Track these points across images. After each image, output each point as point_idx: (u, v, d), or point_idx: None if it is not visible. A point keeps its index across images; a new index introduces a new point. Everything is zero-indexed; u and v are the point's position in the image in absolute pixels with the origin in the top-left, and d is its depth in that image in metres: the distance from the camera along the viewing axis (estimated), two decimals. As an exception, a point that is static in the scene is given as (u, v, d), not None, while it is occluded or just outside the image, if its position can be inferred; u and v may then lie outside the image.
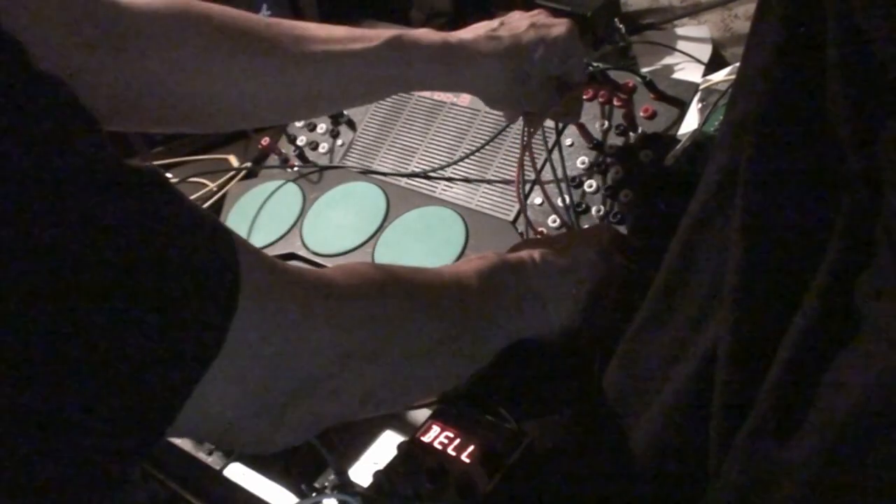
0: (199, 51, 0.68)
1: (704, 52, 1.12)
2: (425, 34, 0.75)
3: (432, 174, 0.94)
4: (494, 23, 0.77)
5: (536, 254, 0.72)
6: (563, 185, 0.85)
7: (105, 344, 0.39)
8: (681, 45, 1.13)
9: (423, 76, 0.76)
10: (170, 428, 0.43)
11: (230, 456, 0.78)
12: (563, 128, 0.88)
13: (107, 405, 0.40)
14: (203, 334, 0.43)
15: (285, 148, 1.04)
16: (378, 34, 0.73)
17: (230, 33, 0.69)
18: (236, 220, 0.99)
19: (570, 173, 0.86)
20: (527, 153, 0.84)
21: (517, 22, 0.77)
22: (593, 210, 0.84)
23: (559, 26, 0.77)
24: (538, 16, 0.78)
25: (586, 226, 0.84)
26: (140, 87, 0.67)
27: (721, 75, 1.05)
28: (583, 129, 0.86)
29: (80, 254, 0.38)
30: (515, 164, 0.88)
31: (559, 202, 0.85)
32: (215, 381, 0.44)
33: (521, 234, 0.85)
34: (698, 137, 0.92)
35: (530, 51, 0.76)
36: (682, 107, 0.86)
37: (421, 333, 0.60)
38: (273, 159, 1.05)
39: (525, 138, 0.85)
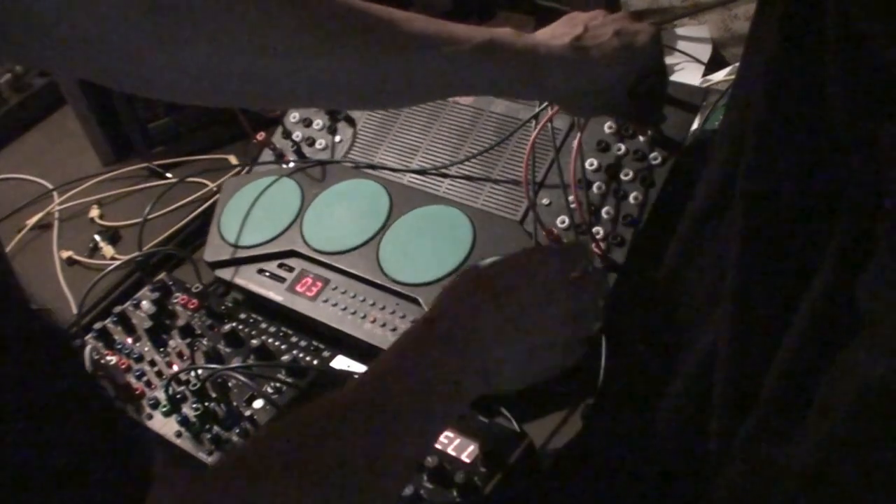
0: (290, 32, 0.66)
1: (704, 52, 1.12)
2: (514, 40, 0.72)
3: (438, 172, 0.94)
4: (579, 27, 0.74)
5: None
6: (573, 187, 0.85)
7: None
8: (681, 45, 1.13)
9: (507, 85, 0.74)
10: None
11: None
12: (569, 128, 0.88)
13: None
14: None
15: (280, 143, 1.03)
16: (469, 36, 0.70)
17: (324, 17, 0.67)
18: (231, 216, 0.99)
19: (578, 175, 0.86)
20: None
21: (602, 28, 0.75)
22: (603, 212, 0.84)
23: (643, 35, 0.76)
24: (622, 21, 0.76)
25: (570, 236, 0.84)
26: (223, 66, 0.65)
27: (721, 75, 1.05)
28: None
29: None
30: (522, 164, 0.88)
31: (571, 200, 0.85)
32: None
33: (529, 234, 0.85)
34: (698, 137, 0.92)
35: (614, 62, 0.74)
36: (692, 110, 0.86)
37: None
38: (267, 154, 1.04)
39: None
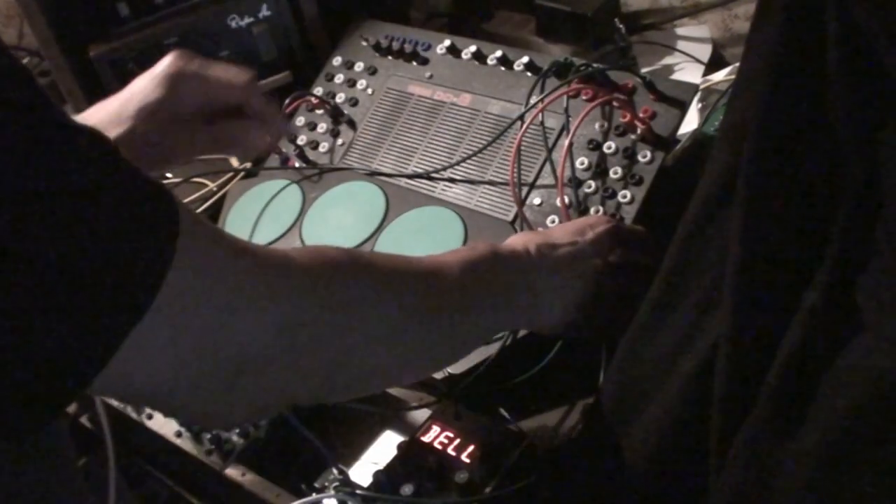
0: None
1: (704, 52, 1.12)
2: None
3: (433, 175, 0.94)
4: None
5: (532, 245, 0.71)
6: (559, 186, 0.85)
7: (36, 278, 0.39)
8: (681, 45, 1.13)
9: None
10: (102, 377, 0.43)
11: (228, 458, 0.78)
12: (564, 128, 0.88)
13: (35, 345, 0.40)
14: (138, 279, 0.43)
15: (286, 147, 1.04)
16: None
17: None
18: (236, 220, 0.99)
19: (569, 174, 0.86)
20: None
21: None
22: (592, 211, 0.84)
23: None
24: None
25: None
26: None
27: (721, 75, 1.05)
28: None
29: (13, 192, 0.39)
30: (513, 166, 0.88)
31: (558, 202, 0.85)
32: (150, 337, 0.44)
33: (520, 234, 0.85)
34: (698, 137, 0.92)
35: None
36: (682, 107, 0.85)
37: (381, 317, 0.58)
38: (273, 159, 1.05)
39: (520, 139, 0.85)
